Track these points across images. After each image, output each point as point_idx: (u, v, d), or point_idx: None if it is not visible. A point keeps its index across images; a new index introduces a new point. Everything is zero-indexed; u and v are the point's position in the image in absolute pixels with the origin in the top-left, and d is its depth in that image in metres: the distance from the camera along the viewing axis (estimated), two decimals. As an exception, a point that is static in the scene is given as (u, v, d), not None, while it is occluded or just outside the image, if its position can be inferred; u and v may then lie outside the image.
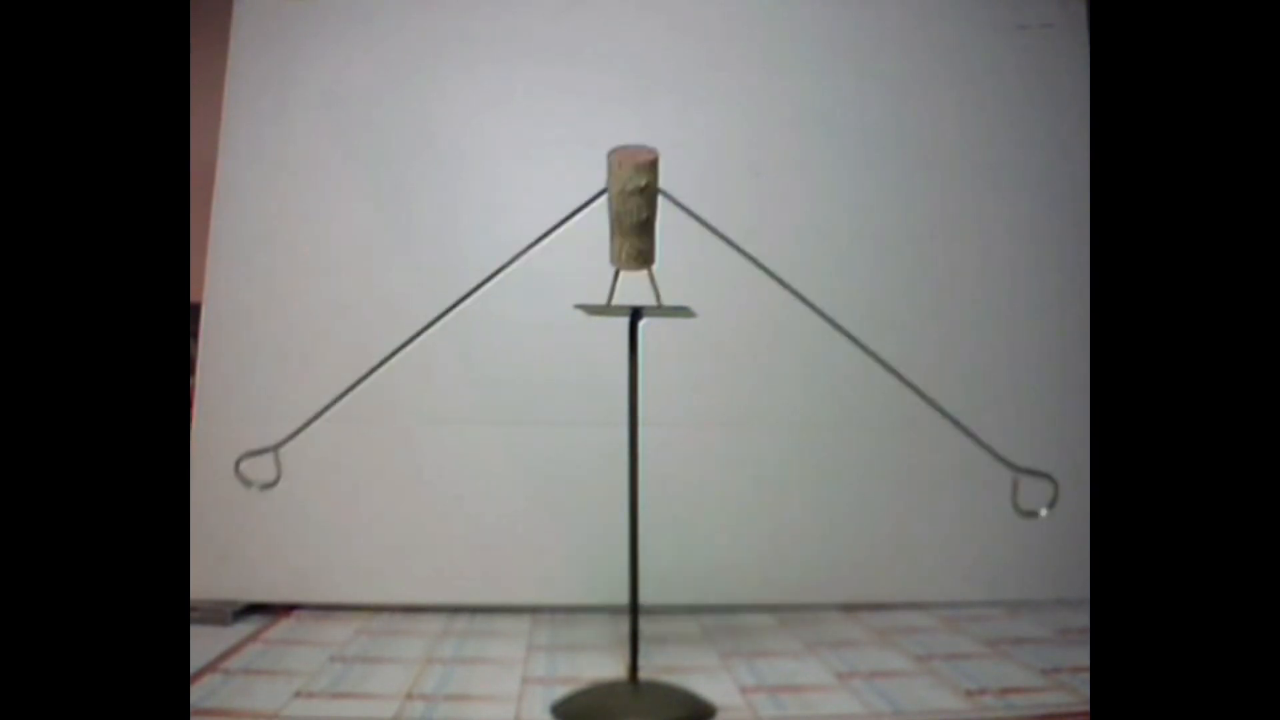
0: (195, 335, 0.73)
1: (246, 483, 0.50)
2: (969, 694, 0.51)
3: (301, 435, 0.49)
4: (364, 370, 0.50)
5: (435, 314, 0.48)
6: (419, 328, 0.49)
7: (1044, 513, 0.45)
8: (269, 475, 0.51)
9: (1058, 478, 0.73)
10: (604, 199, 0.46)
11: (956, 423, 0.47)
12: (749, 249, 0.47)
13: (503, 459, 0.72)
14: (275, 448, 0.50)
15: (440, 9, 0.77)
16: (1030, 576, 0.72)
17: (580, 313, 0.49)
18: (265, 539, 0.70)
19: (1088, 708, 0.48)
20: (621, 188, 0.42)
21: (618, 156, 0.43)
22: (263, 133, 0.75)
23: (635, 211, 0.43)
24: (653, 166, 0.44)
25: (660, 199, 0.45)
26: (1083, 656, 0.56)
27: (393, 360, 0.73)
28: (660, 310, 0.47)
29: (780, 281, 0.46)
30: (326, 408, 0.48)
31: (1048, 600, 0.70)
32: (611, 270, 0.46)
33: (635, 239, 0.43)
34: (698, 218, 0.46)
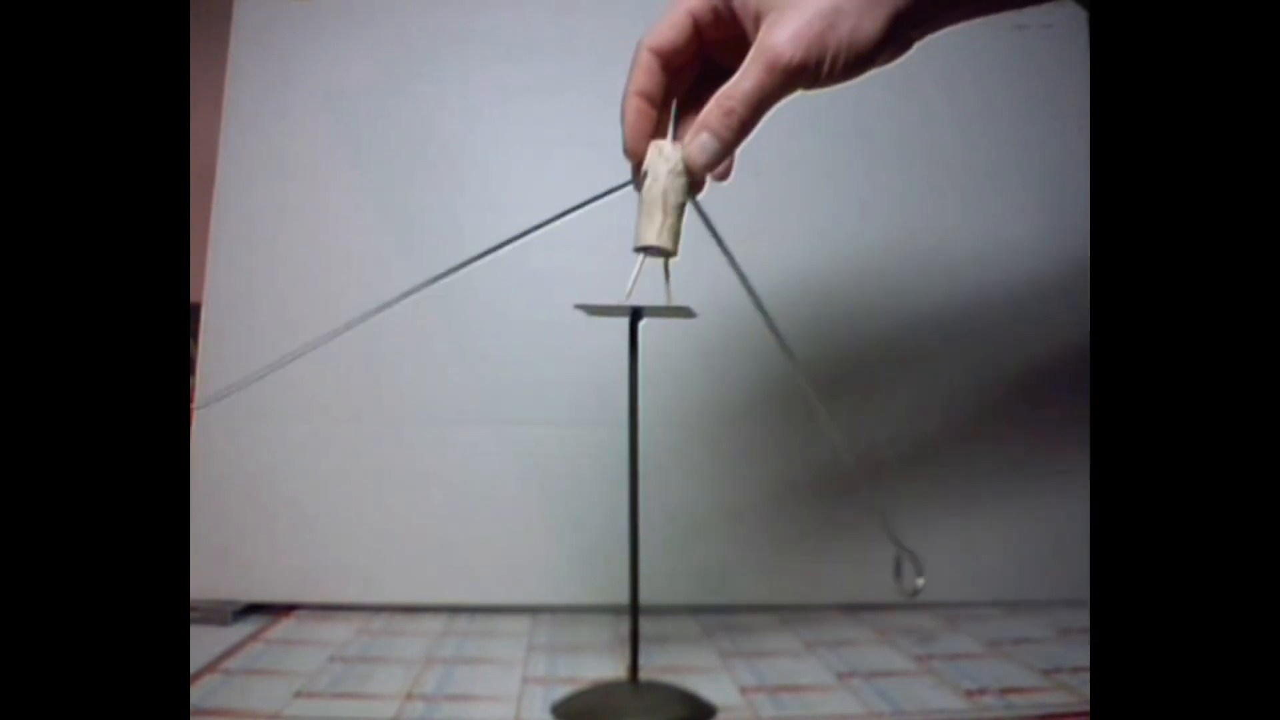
0: (195, 335, 0.73)
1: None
2: (969, 694, 0.51)
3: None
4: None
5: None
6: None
7: (921, 582, 0.45)
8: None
9: (1058, 477, 0.74)
10: (620, 191, 0.46)
11: (869, 488, 0.46)
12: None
13: (503, 459, 0.72)
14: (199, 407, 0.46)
15: (441, 9, 0.77)
16: (1030, 576, 0.72)
17: (580, 313, 0.49)
18: (265, 539, 0.70)
19: (1088, 708, 0.48)
20: (672, 167, 0.43)
21: (665, 140, 0.44)
22: (263, 133, 0.75)
23: (681, 190, 0.43)
24: None
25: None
26: (1083, 656, 0.56)
27: (392, 361, 0.73)
28: (660, 310, 0.47)
29: (749, 290, 0.46)
30: (292, 356, 0.46)
31: (1048, 600, 0.70)
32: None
33: (675, 219, 0.44)
34: (703, 214, 0.46)
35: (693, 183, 0.44)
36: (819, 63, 0.40)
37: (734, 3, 0.43)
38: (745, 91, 0.41)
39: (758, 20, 0.41)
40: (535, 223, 0.47)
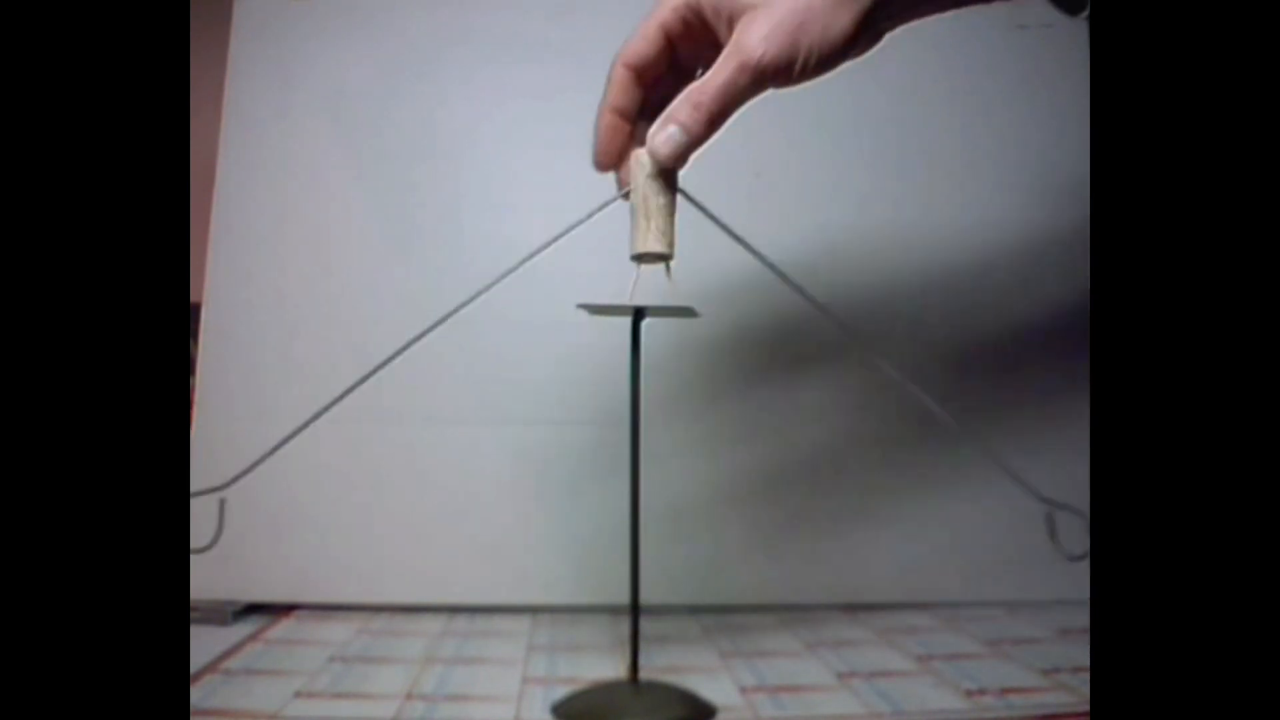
0: (195, 335, 0.73)
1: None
2: (969, 694, 0.51)
3: (301, 436, 0.48)
4: (363, 370, 0.49)
5: (437, 315, 0.48)
6: (419, 328, 0.49)
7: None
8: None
9: (1059, 478, 0.73)
10: (615, 201, 0.46)
11: (984, 448, 0.45)
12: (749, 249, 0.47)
13: (503, 459, 0.72)
14: (221, 488, 0.44)
15: (441, 9, 0.77)
16: (1030, 576, 0.72)
17: (582, 313, 0.49)
18: (265, 539, 0.70)
19: (1088, 708, 0.48)
20: (647, 173, 0.43)
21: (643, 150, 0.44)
22: (263, 133, 0.75)
23: (659, 190, 0.44)
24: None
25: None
26: (1083, 656, 0.56)
27: (393, 359, 0.73)
28: (663, 310, 0.47)
29: (796, 287, 0.46)
30: (304, 425, 0.47)
31: (1048, 600, 0.70)
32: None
33: (660, 219, 0.44)
34: (705, 210, 0.46)
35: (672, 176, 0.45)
36: (790, 62, 0.41)
37: (705, 11, 0.43)
38: (716, 87, 0.42)
39: (731, 23, 0.42)
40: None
